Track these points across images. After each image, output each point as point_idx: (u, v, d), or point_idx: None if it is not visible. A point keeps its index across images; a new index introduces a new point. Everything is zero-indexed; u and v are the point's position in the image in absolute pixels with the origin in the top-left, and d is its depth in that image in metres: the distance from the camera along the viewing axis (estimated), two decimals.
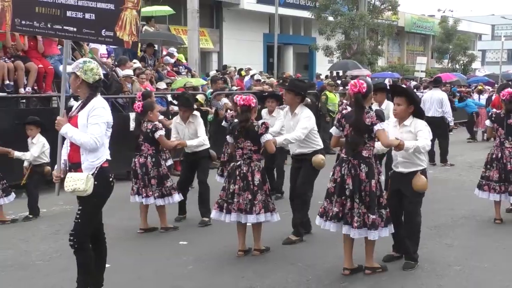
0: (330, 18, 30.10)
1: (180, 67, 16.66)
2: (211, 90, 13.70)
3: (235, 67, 21.21)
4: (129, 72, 12.75)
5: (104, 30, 4.97)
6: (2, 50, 10.60)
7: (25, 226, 7.90)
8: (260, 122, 6.42)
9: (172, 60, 16.48)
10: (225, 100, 13.30)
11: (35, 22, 5.22)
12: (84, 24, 5.04)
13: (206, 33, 29.09)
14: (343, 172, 5.60)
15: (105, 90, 12.19)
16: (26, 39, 10.87)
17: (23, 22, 5.28)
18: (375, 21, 30.71)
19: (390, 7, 32.37)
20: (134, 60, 14.26)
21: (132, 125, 10.53)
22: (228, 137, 6.60)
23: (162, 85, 13.62)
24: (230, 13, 30.84)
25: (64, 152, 4.97)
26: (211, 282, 5.71)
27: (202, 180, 8.03)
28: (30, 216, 8.30)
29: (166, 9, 19.66)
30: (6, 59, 10.51)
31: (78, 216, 4.81)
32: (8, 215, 8.29)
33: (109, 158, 4.92)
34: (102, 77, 4.96)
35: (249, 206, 6.21)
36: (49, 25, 5.16)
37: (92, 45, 12.83)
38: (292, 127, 6.95)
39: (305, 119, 6.83)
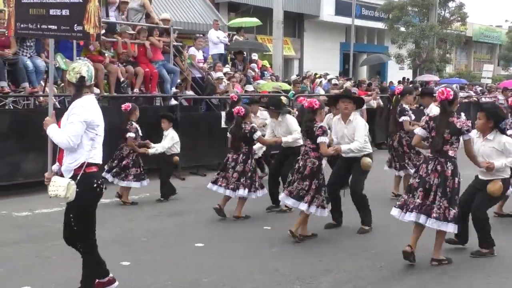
0: (402, 29, 29.56)
1: (265, 72, 16.72)
2: (293, 92, 13.68)
3: (315, 73, 21.05)
4: (220, 74, 12.95)
5: (76, 25, 4.38)
6: (116, 56, 11.01)
7: (131, 208, 8.14)
8: (319, 124, 6.38)
9: (257, 70, 16.51)
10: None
11: (29, 24, 4.77)
12: (62, 21, 4.51)
13: (289, 41, 29.08)
14: (428, 169, 5.53)
15: (201, 91, 12.48)
16: (136, 47, 11.24)
17: (22, 25, 4.85)
18: (444, 31, 29.80)
19: (459, 19, 31.30)
20: (226, 65, 14.47)
21: (223, 122, 10.71)
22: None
23: (250, 87, 13.75)
24: (311, 24, 30.70)
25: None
26: (293, 263, 5.69)
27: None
28: (162, 199, 8.48)
29: (254, 21, 19.80)
30: (119, 64, 10.91)
31: (72, 222, 4.30)
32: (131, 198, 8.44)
33: (97, 162, 4.28)
34: (87, 75, 4.27)
35: (300, 195, 6.33)
36: (38, 26, 4.70)
37: (191, 51, 13.10)
38: (346, 134, 6.75)
39: (362, 127, 6.73)
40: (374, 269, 5.55)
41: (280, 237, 6.62)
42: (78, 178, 4.13)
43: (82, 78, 4.22)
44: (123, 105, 8.39)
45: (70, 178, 4.15)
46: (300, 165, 6.42)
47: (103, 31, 10.74)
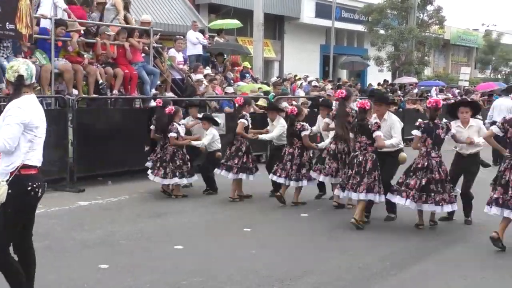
0: (382, 31, 29.85)
1: (247, 74, 16.73)
2: (273, 94, 13.70)
3: (296, 75, 21.12)
4: (200, 76, 12.92)
5: (8, 23, 4.10)
6: (95, 57, 10.91)
7: (112, 210, 8.07)
8: (373, 121, 7.10)
9: (236, 69, 16.51)
10: (285, 104, 13.26)
11: None
12: None
13: (269, 43, 29.13)
14: (505, 167, 6.21)
15: (181, 93, 12.43)
16: (115, 48, 11.15)
17: None
18: (423, 34, 30.17)
19: (438, 22, 31.75)
20: (207, 67, 14.44)
21: (222, 124, 10.84)
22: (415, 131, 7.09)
23: (230, 89, 13.76)
24: (291, 26, 30.80)
25: None
26: (273, 264, 5.69)
27: None
28: (210, 191, 9.14)
29: (235, 23, 19.80)
30: (98, 65, 10.82)
31: None
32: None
33: (35, 164, 4.03)
34: (26, 73, 4.04)
35: (356, 186, 7.02)
36: None
37: (171, 53, 13.05)
38: (382, 131, 7.16)
39: (398, 123, 7.44)
40: (353, 269, 5.58)
41: (260, 238, 6.64)
42: (11, 179, 3.88)
43: (20, 77, 4.00)
44: (167, 109, 8.79)
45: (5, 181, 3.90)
46: (361, 160, 7.05)
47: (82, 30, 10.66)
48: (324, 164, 8.21)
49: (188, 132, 9.39)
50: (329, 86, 17.77)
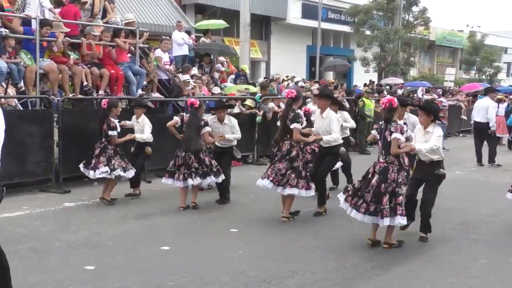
0: (368, 32, 30.01)
1: (242, 77, 16.75)
2: (260, 95, 13.71)
3: (287, 76, 21.16)
4: (187, 77, 12.90)
5: None
6: (80, 58, 10.85)
7: (96, 211, 8.02)
8: (399, 122, 6.35)
9: (223, 68, 16.54)
10: (271, 104, 13.29)
11: None
12: None
13: (256, 44, 29.16)
14: None
15: (168, 93, 12.40)
16: (101, 48, 11.09)
17: None
18: (409, 35, 30.41)
19: (423, 23, 32.02)
20: (193, 68, 14.42)
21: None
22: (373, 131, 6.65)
23: (216, 90, 13.76)
24: (277, 27, 30.86)
25: None
26: (260, 265, 5.70)
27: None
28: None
29: (221, 23, 19.80)
30: (84, 66, 10.75)
31: None
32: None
33: None
34: None
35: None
36: None
37: (157, 53, 13.02)
38: (418, 139, 6.62)
39: (438, 131, 6.60)
40: (340, 269, 5.61)
41: (246, 239, 6.64)
42: None
43: None
44: (102, 102, 8.41)
45: None
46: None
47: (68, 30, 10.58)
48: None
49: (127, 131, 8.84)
50: (315, 86, 17.82)
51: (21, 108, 9.74)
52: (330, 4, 31.94)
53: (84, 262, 5.55)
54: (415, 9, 31.55)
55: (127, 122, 8.95)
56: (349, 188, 6.53)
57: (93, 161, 8.30)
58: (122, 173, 8.33)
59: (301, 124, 7.26)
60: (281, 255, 6.07)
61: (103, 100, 8.45)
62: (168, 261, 5.75)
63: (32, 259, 5.62)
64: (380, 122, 6.50)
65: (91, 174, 8.35)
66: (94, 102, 10.94)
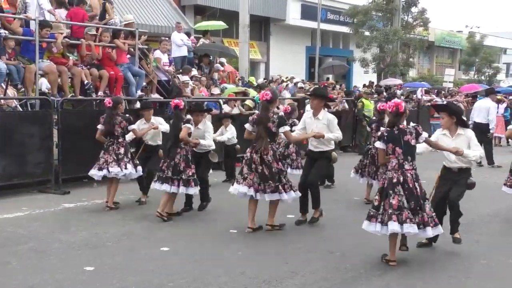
0: (367, 33, 30.05)
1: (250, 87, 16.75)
2: (259, 95, 13.70)
3: (287, 76, 21.14)
4: (186, 78, 12.90)
5: None
6: (80, 58, 10.85)
7: (97, 212, 8.00)
8: (412, 125, 5.92)
9: (222, 68, 16.53)
10: None
11: None
12: None
13: (255, 45, 29.17)
14: None
15: (167, 94, 12.40)
16: (100, 50, 11.09)
17: None
18: (408, 36, 30.43)
19: (422, 24, 32.03)
20: (193, 69, 14.43)
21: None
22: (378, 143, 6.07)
23: (215, 90, 13.77)
24: (277, 28, 30.89)
25: None
26: (259, 265, 5.70)
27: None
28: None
29: (220, 24, 19.82)
30: (83, 67, 10.75)
31: None
32: None
33: None
34: None
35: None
36: None
37: (156, 54, 13.03)
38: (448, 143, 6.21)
39: (474, 138, 6.26)
40: (340, 270, 5.60)
41: (246, 240, 6.63)
42: None
43: None
44: (105, 101, 8.22)
45: None
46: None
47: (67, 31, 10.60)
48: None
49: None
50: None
51: (20, 109, 9.74)
52: (329, 5, 31.97)
53: (83, 263, 5.54)
54: (414, 9, 31.58)
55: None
56: (371, 214, 5.83)
57: (101, 161, 7.99)
58: (133, 172, 8.16)
59: (291, 126, 7.16)
60: (281, 255, 6.06)
61: (106, 99, 8.31)
62: (168, 261, 5.75)
63: (32, 260, 5.62)
64: (382, 129, 5.99)
65: (103, 173, 7.96)
66: (94, 103, 10.94)
